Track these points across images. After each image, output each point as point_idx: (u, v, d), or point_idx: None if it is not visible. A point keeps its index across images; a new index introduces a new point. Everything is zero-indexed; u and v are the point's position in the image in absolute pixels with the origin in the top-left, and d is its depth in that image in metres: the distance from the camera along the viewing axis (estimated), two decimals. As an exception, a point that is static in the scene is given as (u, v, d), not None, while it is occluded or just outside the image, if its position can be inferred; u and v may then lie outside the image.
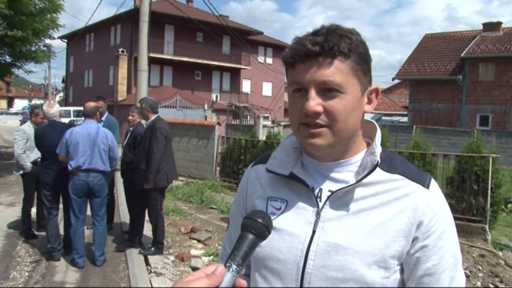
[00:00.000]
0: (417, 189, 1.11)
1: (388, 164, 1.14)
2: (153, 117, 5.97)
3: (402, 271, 1.11)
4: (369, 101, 1.16)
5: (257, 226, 0.92)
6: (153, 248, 5.95)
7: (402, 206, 1.09)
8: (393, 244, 1.07)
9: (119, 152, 6.13)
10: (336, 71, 1.05)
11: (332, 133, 1.08)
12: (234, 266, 0.86)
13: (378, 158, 1.11)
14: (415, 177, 1.13)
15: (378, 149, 1.14)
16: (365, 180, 1.11)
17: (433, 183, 1.14)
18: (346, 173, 1.15)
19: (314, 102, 1.05)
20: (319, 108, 1.05)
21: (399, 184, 1.12)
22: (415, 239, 1.08)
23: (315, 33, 1.08)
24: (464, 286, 1.13)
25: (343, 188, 1.12)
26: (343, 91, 1.06)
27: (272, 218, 1.13)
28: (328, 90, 1.06)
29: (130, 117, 6.49)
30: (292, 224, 1.14)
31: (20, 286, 5.02)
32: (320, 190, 1.16)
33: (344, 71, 1.06)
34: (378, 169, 1.11)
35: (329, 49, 1.04)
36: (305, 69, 1.06)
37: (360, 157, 1.17)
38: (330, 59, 1.05)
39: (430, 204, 1.10)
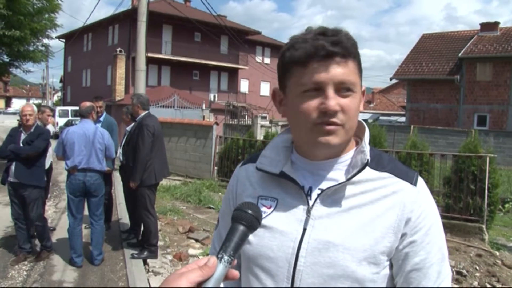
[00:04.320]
0: (405, 187, 1.14)
1: (377, 162, 1.16)
2: (142, 113, 5.93)
3: (391, 266, 1.13)
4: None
5: (248, 217, 0.93)
6: (145, 252, 5.82)
7: (391, 203, 1.12)
8: (382, 240, 1.09)
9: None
10: (349, 71, 1.09)
11: (345, 131, 1.11)
12: (226, 257, 0.87)
13: (368, 157, 1.13)
14: (402, 174, 1.16)
15: (367, 148, 1.16)
16: (354, 178, 1.13)
17: (420, 180, 1.17)
18: (336, 172, 1.17)
19: (335, 101, 1.07)
20: (338, 107, 1.08)
21: (388, 182, 1.14)
22: (403, 235, 1.11)
23: (323, 33, 1.09)
24: (450, 280, 1.16)
25: (333, 186, 1.14)
26: (354, 91, 1.10)
27: (263, 216, 1.14)
28: (344, 89, 1.09)
29: (126, 119, 6.58)
30: (283, 223, 1.16)
31: (18, 285, 5.02)
32: (310, 188, 1.17)
33: (354, 71, 1.10)
34: (367, 167, 1.14)
35: (346, 49, 1.08)
36: (322, 68, 1.08)
37: (350, 155, 1.19)
38: (346, 59, 1.08)
39: (418, 200, 1.13)
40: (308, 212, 1.14)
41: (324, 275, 1.08)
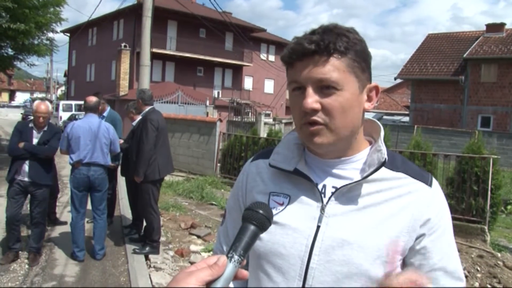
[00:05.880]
0: (421, 187, 1.14)
1: (391, 162, 1.15)
2: (146, 109, 5.93)
3: (403, 265, 1.14)
4: (369, 99, 1.17)
5: (259, 217, 0.93)
6: (147, 248, 5.82)
7: (406, 203, 1.12)
8: (397, 239, 1.10)
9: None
10: (332, 68, 1.07)
11: (330, 131, 1.09)
12: (236, 257, 0.87)
13: (386, 156, 1.13)
14: (417, 175, 1.16)
15: (384, 147, 1.16)
16: (370, 177, 1.13)
17: (435, 182, 1.18)
18: (350, 170, 1.17)
19: (312, 99, 1.07)
20: (317, 105, 1.07)
21: (403, 182, 1.14)
22: (421, 236, 1.12)
23: (312, 32, 1.10)
24: (464, 277, 1.18)
25: (348, 184, 1.13)
26: (340, 88, 1.08)
27: (274, 212, 1.14)
28: (325, 88, 1.07)
29: (131, 115, 6.56)
30: (295, 219, 1.15)
31: (20, 278, 5.04)
32: (324, 186, 1.17)
33: (341, 68, 1.07)
34: (382, 166, 1.13)
35: (324, 47, 1.06)
36: (302, 68, 1.08)
37: (364, 154, 1.19)
38: (326, 57, 1.07)
39: (434, 201, 1.14)
40: (322, 209, 1.14)
41: (338, 273, 1.09)
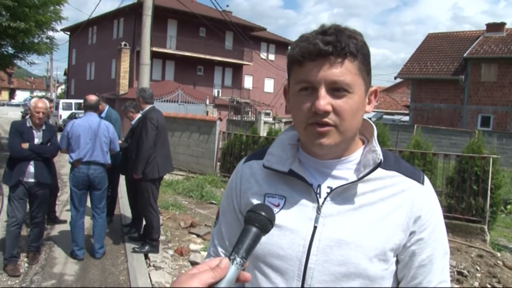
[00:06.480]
0: (413, 185, 1.15)
1: (384, 161, 1.16)
2: (147, 107, 5.93)
3: (397, 262, 1.16)
4: (369, 102, 1.19)
5: (261, 219, 0.93)
6: (147, 247, 5.81)
7: (400, 201, 1.13)
8: (392, 237, 1.11)
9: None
10: (346, 71, 1.07)
11: (339, 132, 1.09)
12: (238, 259, 0.87)
13: (381, 157, 1.14)
14: (410, 173, 1.17)
15: (378, 147, 1.16)
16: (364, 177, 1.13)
17: (427, 180, 1.20)
18: (344, 171, 1.17)
19: (325, 101, 1.06)
20: (329, 107, 1.06)
21: (396, 180, 1.15)
22: (412, 233, 1.13)
23: (323, 32, 1.08)
24: (449, 274, 1.20)
25: (344, 184, 1.14)
26: (351, 91, 1.08)
27: None
28: (337, 90, 1.07)
29: (130, 114, 6.53)
30: (292, 220, 1.15)
31: (19, 276, 5.03)
32: (319, 186, 1.17)
33: (353, 71, 1.08)
34: None
35: (341, 49, 1.05)
36: (315, 68, 1.07)
37: (358, 154, 1.19)
38: (341, 59, 1.06)
39: (426, 199, 1.15)
40: (318, 210, 1.14)
41: (336, 272, 1.09)
